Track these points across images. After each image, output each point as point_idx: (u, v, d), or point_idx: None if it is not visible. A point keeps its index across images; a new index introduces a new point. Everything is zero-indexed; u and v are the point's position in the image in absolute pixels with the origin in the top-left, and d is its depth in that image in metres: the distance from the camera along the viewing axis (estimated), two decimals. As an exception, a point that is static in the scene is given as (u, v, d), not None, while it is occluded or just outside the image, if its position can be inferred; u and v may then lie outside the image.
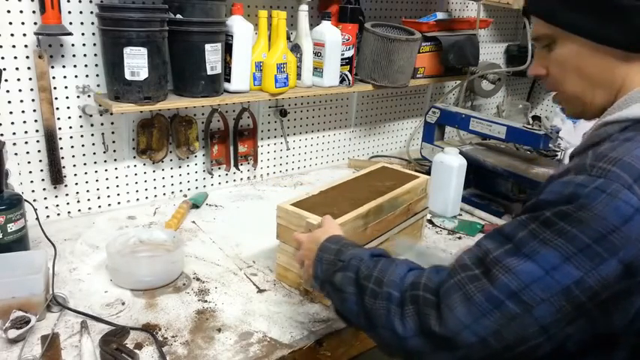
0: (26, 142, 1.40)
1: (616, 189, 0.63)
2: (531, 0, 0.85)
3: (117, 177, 1.59)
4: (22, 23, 1.30)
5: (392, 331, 0.75)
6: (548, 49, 0.83)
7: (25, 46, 1.32)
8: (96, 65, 1.43)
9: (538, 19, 0.83)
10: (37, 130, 1.40)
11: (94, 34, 1.40)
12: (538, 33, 0.84)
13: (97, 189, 1.56)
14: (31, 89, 1.36)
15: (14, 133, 1.37)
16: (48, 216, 1.49)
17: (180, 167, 1.71)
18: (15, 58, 1.32)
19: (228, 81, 1.52)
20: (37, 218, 1.26)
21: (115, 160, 1.57)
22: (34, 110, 1.38)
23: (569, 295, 0.64)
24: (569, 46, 0.80)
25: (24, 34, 1.31)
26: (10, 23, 1.29)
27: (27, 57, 1.33)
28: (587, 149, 0.74)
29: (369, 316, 0.80)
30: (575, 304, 0.64)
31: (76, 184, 1.52)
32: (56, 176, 1.45)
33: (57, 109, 1.41)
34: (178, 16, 1.37)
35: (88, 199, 1.55)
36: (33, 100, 1.37)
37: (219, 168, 1.79)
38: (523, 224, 0.69)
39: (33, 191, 1.45)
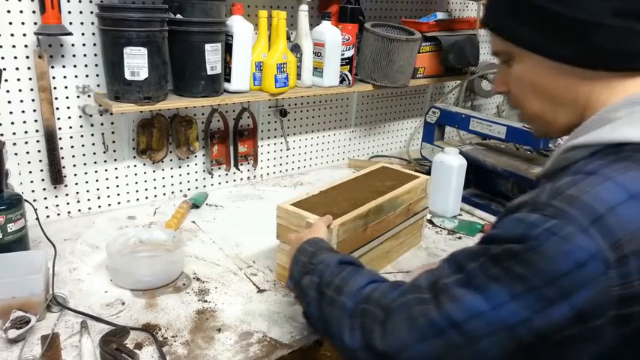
0: (26, 142, 1.40)
1: (570, 233, 0.58)
2: (487, 13, 0.81)
3: (117, 177, 1.59)
4: (22, 23, 1.30)
5: (341, 341, 0.76)
6: (508, 65, 0.78)
7: (25, 46, 1.32)
8: (96, 65, 1.43)
9: (493, 33, 0.78)
10: (37, 130, 1.40)
11: (94, 34, 1.40)
12: (496, 48, 0.79)
13: (97, 189, 1.56)
14: (31, 89, 1.36)
15: (14, 133, 1.37)
16: (48, 216, 1.49)
17: (180, 167, 1.71)
18: (15, 58, 1.32)
19: (228, 81, 1.52)
20: (37, 218, 1.26)
21: (115, 160, 1.57)
22: (34, 110, 1.38)
23: (513, 333, 0.61)
24: (526, 63, 0.75)
25: (24, 34, 1.31)
26: (10, 23, 1.29)
27: (27, 57, 1.33)
28: (554, 174, 0.70)
29: (326, 322, 0.81)
30: (520, 343, 0.61)
31: (76, 184, 1.52)
32: (56, 176, 1.45)
33: (57, 109, 1.41)
34: (178, 16, 1.37)
35: (88, 199, 1.55)
36: (33, 100, 1.37)
37: (219, 168, 1.79)
38: (475, 256, 0.66)
39: (33, 191, 1.45)
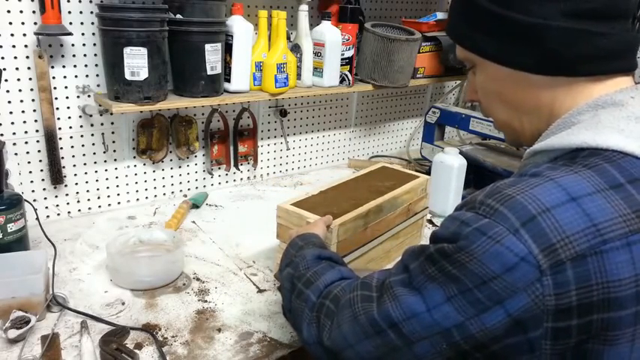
0: (26, 142, 1.40)
1: (499, 233, 0.55)
2: (447, 22, 0.79)
3: (117, 177, 1.59)
4: (22, 23, 1.30)
5: (300, 333, 0.77)
6: (473, 73, 0.76)
7: (25, 46, 1.32)
8: (96, 65, 1.43)
9: (455, 42, 0.77)
10: (37, 130, 1.40)
11: (94, 34, 1.40)
12: (459, 56, 0.77)
13: (97, 189, 1.56)
14: (31, 89, 1.36)
15: (14, 133, 1.37)
16: (48, 216, 1.49)
17: (180, 167, 1.71)
18: (15, 58, 1.32)
19: (228, 81, 1.52)
20: (37, 218, 1.26)
21: (115, 160, 1.57)
22: (34, 110, 1.38)
23: (449, 338, 0.59)
24: (488, 72, 0.72)
25: (24, 34, 1.31)
26: (10, 23, 1.29)
27: (27, 57, 1.33)
28: None
29: (293, 315, 0.82)
30: (457, 350, 0.60)
31: (76, 184, 1.52)
32: (56, 176, 1.45)
33: (57, 109, 1.41)
34: (178, 16, 1.37)
35: (88, 199, 1.55)
36: (33, 100, 1.37)
37: (219, 168, 1.79)
38: (416, 255, 0.65)
39: (33, 191, 1.45)
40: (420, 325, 0.61)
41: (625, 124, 0.61)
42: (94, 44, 1.41)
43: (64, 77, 1.40)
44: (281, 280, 0.92)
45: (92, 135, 1.50)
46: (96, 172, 1.54)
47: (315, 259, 0.87)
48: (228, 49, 1.49)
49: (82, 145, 1.49)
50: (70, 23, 1.36)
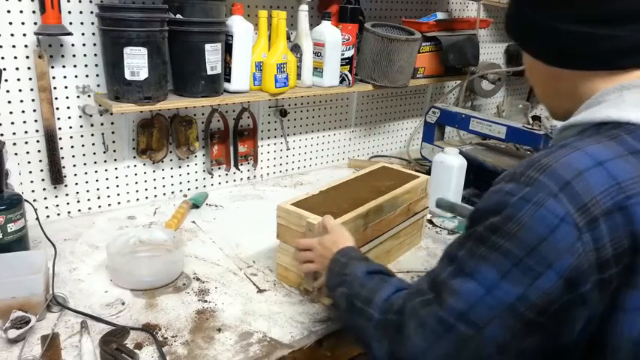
0: (26, 142, 1.40)
1: (541, 198, 0.62)
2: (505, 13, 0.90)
3: (117, 177, 1.59)
4: (22, 23, 1.30)
5: (371, 351, 0.79)
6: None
7: (25, 46, 1.32)
8: (96, 65, 1.43)
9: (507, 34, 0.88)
10: (37, 130, 1.40)
11: (94, 34, 1.40)
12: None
13: (97, 189, 1.56)
14: (31, 89, 1.36)
15: (14, 133, 1.37)
16: (48, 216, 1.49)
17: (180, 167, 1.71)
18: (15, 58, 1.32)
19: (228, 81, 1.52)
20: (37, 218, 1.26)
21: (115, 160, 1.57)
22: (34, 110, 1.38)
23: (514, 312, 0.63)
24: (526, 59, 0.83)
25: (24, 34, 1.31)
26: (10, 23, 1.29)
27: (27, 57, 1.33)
28: None
29: (357, 333, 0.84)
30: (523, 320, 0.63)
31: (76, 184, 1.52)
32: (56, 176, 1.45)
33: (57, 109, 1.41)
34: (178, 16, 1.37)
35: (88, 199, 1.55)
36: (33, 100, 1.37)
37: (219, 168, 1.79)
38: (462, 242, 0.70)
39: (33, 191, 1.45)
40: (485, 308, 0.64)
41: None
42: (94, 44, 1.41)
43: (64, 77, 1.40)
44: (333, 298, 0.96)
45: (92, 135, 1.50)
46: (96, 172, 1.54)
47: (365, 275, 0.89)
48: (228, 49, 1.49)
49: (82, 145, 1.49)
50: (70, 23, 1.36)
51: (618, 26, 0.70)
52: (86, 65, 1.42)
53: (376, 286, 0.84)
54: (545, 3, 0.75)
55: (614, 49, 0.72)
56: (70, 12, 1.35)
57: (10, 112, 1.35)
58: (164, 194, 1.70)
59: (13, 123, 1.36)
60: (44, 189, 1.47)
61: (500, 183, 0.68)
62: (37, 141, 1.41)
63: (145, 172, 1.64)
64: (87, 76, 1.43)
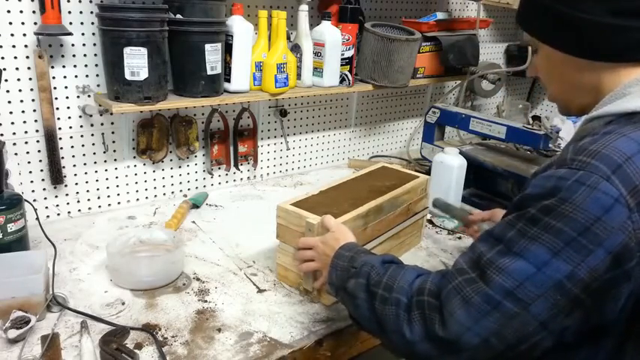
0: (26, 142, 1.40)
1: (595, 181, 0.65)
2: (518, 10, 0.91)
3: (117, 177, 1.59)
4: (22, 23, 1.30)
5: (401, 335, 0.78)
6: (536, 53, 0.88)
7: (25, 46, 1.32)
8: (96, 65, 1.43)
9: (522, 28, 0.89)
10: (37, 130, 1.40)
11: (94, 34, 1.40)
12: (526, 38, 0.89)
13: (97, 189, 1.56)
14: (31, 89, 1.36)
15: (14, 133, 1.37)
16: (48, 216, 1.49)
17: (180, 167, 1.71)
18: (15, 58, 1.32)
19: (228, 81, 1.52)
20: (37, 218, 1.26)
21: (115, 160, 1.57)
22: (34, 110, 1.38)
23: (562, 289, 0.66)
24: (545, 54, 0.84)
25: (24, 34, 1.31)
26: (10, 23, 1.29)
27: (27, 57, 1.33)
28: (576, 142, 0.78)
29: (380, 321, 0.83)
30: (569, 297, 0.66)
31: (76, 184, 1.52)
32: (56, 176, 1.45)
33: (57, 109, 1.41)
34: (178, 16, 1.37)
35: (88, 199, 1.55)
36: (33, 100, 1.37)
37: (219, 168, 1.79)
38: (511, 224, 0.72)
39: (33, 191, 1.45)
40: (534, 285, 0.67)
41: None
42: (94, 44, 1.41)
43: (64, 77, 1.40)
44: (342, 293, 0.93)
45: (92, 135, 1.50)
46: (96, 172, 1.54)
47: (381, 264, 0.89)
48: (228, 49, 1.49)
49: (82, 145, 1.49)
50: (70, 23, 1.36)
51: None
52: (86, 65, 1.42)
53: (396, 273, 0.85)
54: None
55: None
56: (70, 12, 1.35)
57: (10, 112, 1.35)
58: (164, 194, 1.70)
59: (13, 123, 1.36)
60: (44, 189, 1.47)
61: (549, 170, 0.71)
62: (37, 141, 1.41)
63: (145, 172, 1.64)
64: (87, 76, 1.43)
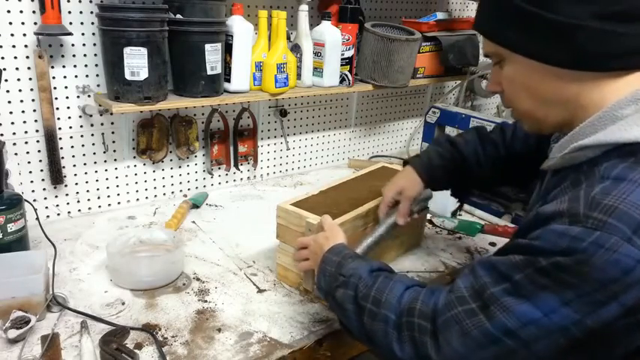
0: (26, 142, 1.40)
1: (615, 243, 0.61)
2: (477, 16, 0.82)
3: (117, 177, 1.59)
4: (22, 23, 1.30)
5: (391, 351, 0.78)
6: (500, 67, 0.80)
7: (25, 46, 1.32)
8: (96, 65, 1.43)
9: (483, 37, 0.80)
10: (37, 130, 1.40)
11: (94, 34, 1.40)
12: (487, 50, 0.81)
13: (97, 189, 1.56)
14: (31, 89, 1.36)
15: (14, 133, 1.37)
16: (48, 216, 1.49)
17: (180, 167, 1.71)
18: (15, 58, 1.32)
19: (228, 81, 1.52)
20: (37, 218, 1.26)
21: (115, 160, 1.57)
22: (34, 110, 1.38)
23: (566, 334, 0.64)
24: (517, 65, 0.76)
25: (24, 34, 1.31)
26: (10, 23, 1.29)
27: (27, 57, 1.33)
28: (564, 171, 0.74)
29: (369, 334, 0.83)
30: (572, 340, 0.65)
31: (76, 184, 1.52)
32: (56, 176, 1.45)
33: (57, 109, 1.41)
34: (178, 16, 1.37)
35: (88, 199, 1.55)
36: (33, 100, 1.37)
37: (219, 168, 1.79)
38: (519, 267, 0.68)
39: (33, 191, 1.45)
40: (538, 329, 0.65)
41: None
42: (94, 44, 1.41)
43: (64, 77, 1.40)
44: (331, 300, 0.93)
45: (92, 135, 1.50)
46: (96, 172, 1.54)
47: (369, 273, 0.88)
48: (228, 49, 1.49)
49: (82, 145, 1.49)
50: (70, 23, 1.36)
51: (632, 23, 0.68)
52: (86, 65, 1.42)
53: (384, 285, 0.84)
54: None
55: (630, 47, 0.69)
56: (70, 12, 1.35)
57: (10, 112, 1.35)
58: (164, 194, 1.70)
59: (13, 123, 1.36)
60: (44, 189, 1.47)
61: (557, 223, 0.66)
62: (37, 141, 1.41)
63: (145, 172, 1.64)
64: (87, 76, 1.43)
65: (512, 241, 0.73)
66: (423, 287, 0.83)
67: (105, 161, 1.55)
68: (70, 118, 1.44)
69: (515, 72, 0.77)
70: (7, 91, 1.33)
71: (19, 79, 1.34)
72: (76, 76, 1.42)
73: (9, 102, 1.34)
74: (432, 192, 1.28)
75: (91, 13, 1.38)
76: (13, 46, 1.31)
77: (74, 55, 1.40)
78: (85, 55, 1.41)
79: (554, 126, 0.80)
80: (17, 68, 1.33)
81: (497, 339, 0.67)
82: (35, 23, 1.31)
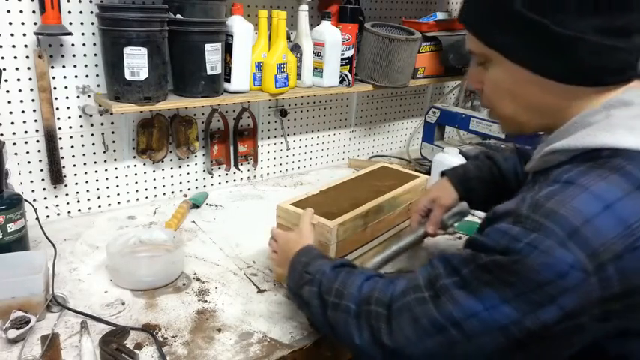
0: (26, 142, 1.40)
1: (549, 246, 0.61)
2: (466, 12, 0.79)
3: (117, 177, 1.59)
4: (22, 23, 1.30)
5: (351, 339, 0.81)
6: (484, 67, 0.78)
7: (25, 46, 1.32)
8: (96, 65, 1.43)
9: (472, 35, 0.78)
10: (37, 130, 1.40)
11: (94, 34, 1.40)
12: (472, 49, 0.79)
13: (97, 189, 1.56)
14: (31, 89, 1.36)
15: (14, 133, 1.37)
16: (48, 216, 1.49)
17: (180, 167, 1.71)
18: (15, 58, 1.32)
19: (228, 81, 1.52)
20: (37, 218, 1.26)
21: (115, 160, 1.57)
22: (34, 110, 1.38)
23: (506, 332, 0.65)
24: (504, 70, 0.74)
25: (24, 34, 1.31)
26: (10, 23, 1.29)
27: (27, 57, 1.33)
28: (540, 173, 0.75)
29: (332, 326, 0.86)
30: (514, 340, 0.65)
31: (76, 184, 1.52)
32: (56, 176, 1.45)
33: (57, 109, 1.41)
34: (178, 16, 1.37)
35: (88, 199, 1.55)
36: (33, 100, 1.37)
37: (219, 168, 1.79)
38: (467, 261, 0.70)
39: (33, 191, 1.45)
40: (480, 322, 0.66)
41: (635, 122, 0.68)
42: (94, 44, 1.41)
43: (64, 77, 1.40)
44: (298, 298, 0.97)
45: (92, 135, 1.50)
46: (96, 172, 1.54)
47: (332, 269, 0.91)
48: (228, 49, 1.49)
49: (82, 145, 1.49)
50: (70, 23, 1.36)
51: (629, 37, 0.68)
52: (86, 65, 1.42)
53: (346, 278, 0.87)
54: (560, 7, 0.67)
55: (627, 61, 0.69)
56: (70, 12, 1.35)
57: (10, 112, 1.35)
58: (164, 194, 1.70)
59: (13, 123, 1.36)
60: (44, 189, 1.47)
61: (504, 222, 0.67)
62: (37, 141, 1.41)
63: (145, 172, 1.64)
64: (87, 76, 1.43)
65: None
66: (382, 277, 0.85)
67: (105, 161, 1.55)
68: (70, 118, 1.44)
69: (502, 77, 0.76)
70: (7, 91, 1.33)
71: (19, 79, 1.34)
72: (76, 76, 1.42)
73: (9, 102, 1.34)
74: (468, 207, 1.24)
75: (91, 13, 1.38)
76: (13, 46, 1.31)
77: (74, 55, 1.40)
78: (85, 55, 1.41)
79: (534, 130, 0.81)
80: (17, 68, 1.33)
81: (443, 327, 0.69)
82: (35, 23, 1.31)
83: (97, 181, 1.55)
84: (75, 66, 1.41)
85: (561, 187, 0.66)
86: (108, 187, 1.58)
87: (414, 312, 0.72)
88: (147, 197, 1.67)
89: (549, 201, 0.65)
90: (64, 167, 1.47)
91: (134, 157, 1.60)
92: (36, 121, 1.39)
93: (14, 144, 1.38)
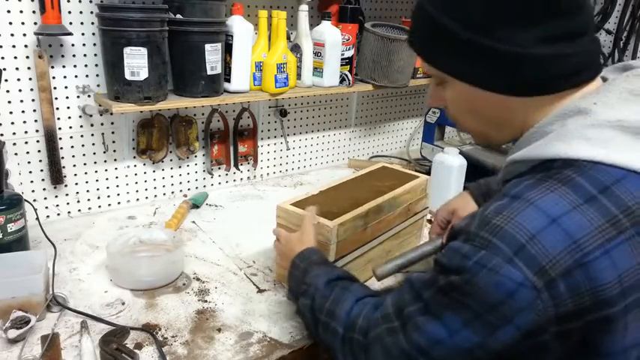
0: (26, 142, 1.40)
1: (497, 264, 0.60)
2: (412, 36, 0.78)
3: (117, 177, 1.59)
4: (22, 23, 1.30)
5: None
6: (442, 87, 0.78)
7: (25, 46, 1.32)
8: (96, 65, 1.43)
9: (421, 60, 0.78)
10: (37, 130, 1.40)
11: (94, 34, 1.40)
12: (427, 71, 0.78)
13: (97, 189, 1.56)
14: (31, 89, 1.36)
15: (14, 133, 1.37)
16: (48, 216, 1.49)
17: (180, 167, 1.71)
18: (15, 58, 1.32)
19: (228, 81, 1.52)
20: (37, 218, 1.26)
21: (115, 160, 1.57)
22: (34, 110, 1.38)
23: (473, 356, 0.65)
24: (460, 90, 0.74)
25: (24, 34, 1.31)
26: (10, 23, 1.29)
27: (27, 57, 1.33)
28: (504, 184, 0.74)
29: (325, 343, 0.89)
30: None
31: (76, 184, 1.52)
32: (56, 176, 1.45)
33: (57, 109, 1.41)
34: (178, 16, 1.37)
35: (88, 199, 1.55)
36: (33, 100, 1.37)
37: (219, 168, 1.79)
38: (428, 284, 0.70)
39: (33, 191, 1.45)
40: (445, 349, 0.67)
41: (591, 132, 0.65)
42: (94, 44, 1.41)
43: (64, 77, 1.40)
44: (296, 306, 1.00)
45: (92, 135, 1.50)
46: (96, 172, 1.54)
47: (326, 285, 0.92)
48: (228, 49, 1.49)
49: (82, 145, 1.49)
50: (70, 23, 1.36)
51: (573, 41, 0.66)
52: (86, 65, 1.42)
53: (338, 298, 0.88)
54: (497, 23, 0.66)
55: (577, 65, 0.68)
56: (70, 12, 1.35)
57: (10, 112, 1.35)
58: (164, 194, 1.70)
59: (13, 123, 1.36)
60: (44, 189, 1.47)
61: (458, 239, 0.67)
62: (37, 141, 1.41)
63: (145, 172, 1.64)
64: (87, 76, 1.43)
65: None
66: (374, 297, 0.86)
67: (105, 161, 1.55)
68: (70, 118, 1.44)
69: (459, 95, 0.75)
70: (7, 91, 1.33)
71: (19, 79, 1.34)
72: (76, 76, 1.42)
73: (9, 102, 1.34)
74: None
75: (91, 13, 1.38)
76: (13, 46, 1.31)
77: (74, 55, 1.40)
78: (85, 55, 1.41)
79: (503, 141, 0.80)
80: (17, 68, 1.33)
81: (412, 357, 0.70)
82: (35, 23, 1.31)
83: (97, 181, 1.55)
84: (75, 66, 1.41)
85: (509, 202, 0.64)
86: (108, 187, 1.58)
87: (384, 343, 0.74)
88: (147, 197, 1.67)
89: (497, 217, 0.63)
90: (64, 167, 1.47)
91: (134, 157, 1.59)
92: (36, 121, 1.39)
93: (14, 144, 1.38)
